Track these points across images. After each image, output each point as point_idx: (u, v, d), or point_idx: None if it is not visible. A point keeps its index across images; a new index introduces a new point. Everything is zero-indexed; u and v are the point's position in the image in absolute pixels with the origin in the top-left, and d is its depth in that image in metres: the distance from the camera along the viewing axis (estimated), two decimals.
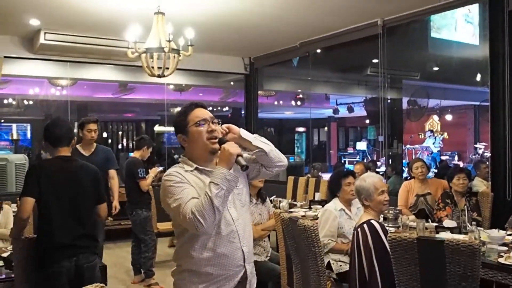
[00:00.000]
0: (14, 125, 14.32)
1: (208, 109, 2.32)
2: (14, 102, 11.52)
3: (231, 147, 2.10)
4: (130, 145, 15.88)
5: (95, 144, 5.33)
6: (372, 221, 3.16)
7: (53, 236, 2.99)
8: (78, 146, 5.22)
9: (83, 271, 3.05)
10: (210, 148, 2.20)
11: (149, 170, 5.96)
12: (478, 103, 15.17)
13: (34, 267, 3.02)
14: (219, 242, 2.15)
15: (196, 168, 2.21)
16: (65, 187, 3.09)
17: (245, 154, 2.28)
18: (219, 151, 2.16)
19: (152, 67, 5.07)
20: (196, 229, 2.02)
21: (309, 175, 8.82)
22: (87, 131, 5.24)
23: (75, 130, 5.46)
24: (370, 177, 3.35)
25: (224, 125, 2.26)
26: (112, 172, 5.41)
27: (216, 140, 2.18)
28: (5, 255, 3.62)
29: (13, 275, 3.16)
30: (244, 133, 2.25)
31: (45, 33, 6.59)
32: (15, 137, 14.31)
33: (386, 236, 3.03)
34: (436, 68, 11.74)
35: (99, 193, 3.28)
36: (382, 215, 4.12)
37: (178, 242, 2.25)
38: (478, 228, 3.92)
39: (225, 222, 2.17)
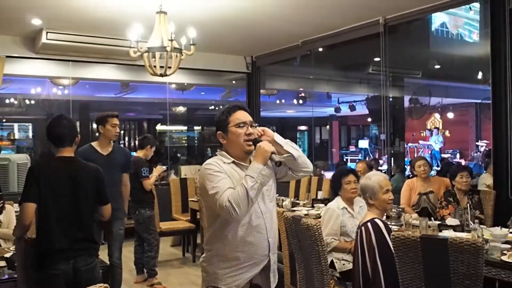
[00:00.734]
0: (15, 125, 14.34)
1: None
2: (16, 102, 11.53)
3: (266, 145, 2.34)
4: (132, 144, 15.89)
5: (112, 143, 4.78)
6: (376, 220, 3.16)
7: (51, 239, 2.96)
8: (94, 145, 4.69)
9: (81, 273, 3.01)
10: (246, 149, 2.42)
11: (154, 168, 5.97)
12: (479, 101, 15.16)
13: (33, 268, 3.00)
14: (249, 232, 2.38)
15: (233, 162, 2.43)
16: (65, 189, 3.02)
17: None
18: (254, 150, 2.38)
19: (154, 66, 5.06)
20: (230, 216, 2.24)
21: (311, 174, 8.83)
22: (111, 126, 4.65)
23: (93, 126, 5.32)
24: (375, 176, 3.35)
25: (260, 128, 2.49)
26: (126, 178, 4.90)
27: (252, 143, 2.41)
28: (7, 255, 3.61)
29: (15, 276, 3.16)
30: (277, 138, 2.48)
31: (47, 32, 6.59)
32: (16, 136, 14.33)
33: (389, 235, 3.03)
34: (437, 66, 11.74)
35: (102, 194, 3.21)
36: (385, 214, 4.11)
37: (210, 228, 2.46)
38: (481, 226, 3.92)
39: (255, 214, 2.40)
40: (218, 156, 2.47)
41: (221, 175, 2.33)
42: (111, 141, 4.75)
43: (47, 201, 2.96)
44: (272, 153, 2.32)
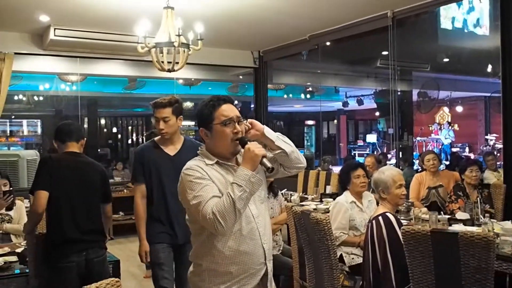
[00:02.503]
0: (24, 121, 14.43)
1: None
2: (24, 98, 11.60)
3: (256, 148, 2.03)
4: (140, 139, 15.94)
5: (181, 137, 3.58)
6: (388, 214, 3.15)
7: (62, 231, 3.01)
8: (157, 140, 3.56)
9: (93, 265, 3.08)
10: (233, 151, 2.15)
11: None
12: (489, 94, 15.06)
13: (46, 262, 3.04)
14: (240, 240, 2.10)
15: (217, 162, 2.15)
16: (74, 182, 3.10)
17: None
18: (242, 151, 2.10)
19: (162, 62, 5.06)
20: (215, 229, 1.97)
21: (319, 168, 8.81)
22: (155, 119, 3.58)
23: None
24: (389, 170, 3.34)
25: (248, 120, 2.18)
26: None
27: (239, 141, 2.12)
28: (19, 250, 3.65)
29: (27, 270, 3.18)
30: (268, 131, 2.16)
31: (54, 29, 6.60)
32: (25, 133, 14.42)
33: (400, 229, 3.02)
34: (446, 60, 11.66)
35: (107, 192, 3.32)
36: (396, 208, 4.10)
37: (196, 240, 2.17)
38: (492, 220, 3.90)
39: (246, 220, 2.12)
40: (199, 156, 2.19)
41: (204, 182, 2.04)
42: (178, 136, 3.52)
43: (58, 193, 3.02)
44: (263, 157, 2.02)
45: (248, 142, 2.07)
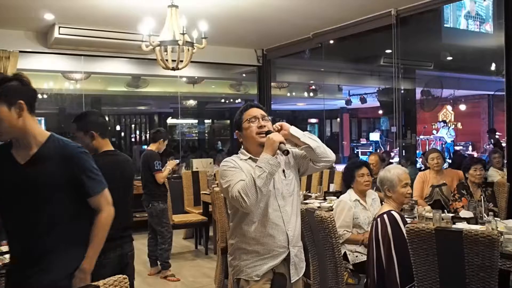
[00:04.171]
0: None
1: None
2: None
3: (275, 136, 2.40)
4: (143, 137, 15.97)
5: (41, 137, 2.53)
6: (393, 212, 3.16)
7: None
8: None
9: (126, 259, 3.19)
10: (259, 142, 2.49)
11: (167, 161, 6.00)
12: (492, 92, 15.04)
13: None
14: (265, 225, 2.46)
15: (250, 158, 2.53)
16: (115, 180, 3.09)
17: (296, 150, 2.61)
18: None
19: (166, 60, 5.08)
20: (240, 205, 2.32)
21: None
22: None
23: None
24: (395, 169, 3.36)
25: (277, 123, 2.56)
26: None
27: (265, 135, 2.46)
28: None
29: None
30: (294, 130, 2.53)
31: (59, 27, 6.63)
32: None
33: (405, 227, 3.03)
34: (450, 58, 11.65)
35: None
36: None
37: (231, 222, 2.59)
38: (495, 218, 3.90)
39: (273, 208, 2.47)
40: (238, 154, 2.59)
41: (235, 170, 2.43)
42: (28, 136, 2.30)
43: None
44: (281, 143, 2.37)
45: (272, 133, 2.43)
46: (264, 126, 2.52)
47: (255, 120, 2.52)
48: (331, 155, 2.58)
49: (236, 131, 2.64)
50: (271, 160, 2.34)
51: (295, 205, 2.59)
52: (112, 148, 3.26)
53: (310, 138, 2.52)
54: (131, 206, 3.34)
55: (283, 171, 2.54)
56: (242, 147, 2.62)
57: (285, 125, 2.56)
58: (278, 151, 2.40)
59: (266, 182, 2.32)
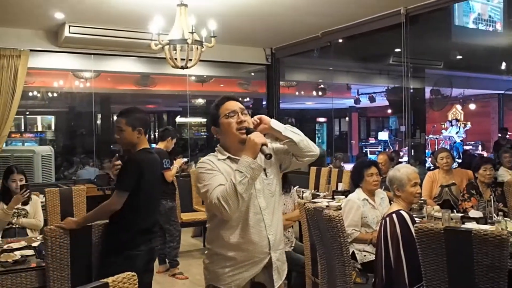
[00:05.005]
0: (39, 117, 14.58)
1: None
2: (39, 95, 11.71)
3: (256, 137, 2.17)
4: (152, 136, 16.01)
5: None
6: (402, 211, 3.15)
7: (136, 224, 3.18)
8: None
9: (154, 253, 3.35)
10: (240, 139, 2.28)
11: (174, 160, 6.02)
12: (502, 91, 14.93)
13: (115, 251, 3.15)
14: (246, 229, 2.27)
15: (229, 157, 2.32)
16: (150, 177, 3.24)
17: (277, 144, 2.39)
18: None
19: (175, 59, 5.09)
20: (221, 213, 2.14)
21: (331, 166, 8.81)
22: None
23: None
24: (404, 168, 3.34)
25: (256, 116, 2.35)
26: None
27: (245, 131, 2.26)
28: (35, 244, 3.69)
29: (43, 264, 3.22)
30: (275, 124, 2.32)
31: (69, 26, 6.66)
32: (39, 129, 14.56)
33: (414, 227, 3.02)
34: (459, 57, 11.58)
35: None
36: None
37: (210, 225, 2.37)
38: (505, 218, 3.88)
39: (254, 211, 2.29)
40: (215, 152, 2.39)
41: (213, 173, 2.24)
42: None
43: (140, 190, 3.17)
44: (263, 144, 2.16)
45: (252, 133, 2.21)
46: (244, 121, 2.30)
47: (234, 115, 2.30)
48: (315, 149, 2.38)
49: (213, 127, 2.39)
50: (253, 163, 2.12)
51: (277, 206, 2.41)
52: (148, 146, 3.37)
53: (293, 132, 2.31)
54: (159, 202, 3.53)
55: (264, 169, 2.30)
56: (219, 144, 2.41)
57: (265, 118, 2.34)
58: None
59: (247, 188, 2.12)
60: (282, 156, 2.42)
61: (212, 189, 2.17)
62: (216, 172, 2.24)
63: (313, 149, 2.36)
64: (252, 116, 2.38)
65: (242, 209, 2.21)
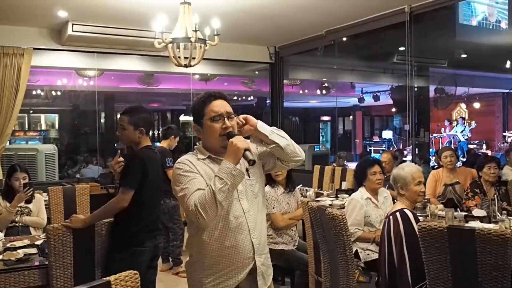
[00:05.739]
0: (42, 116, 14.61)
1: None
2: (42, 93, 11.74)
3: (239, 142, 2.04)
4: (156, 134, 16.03)
5: None
6: (405, 210, 3.14)
7: (142, 220, 3.23)
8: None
9: (158, 250, 3.39)
10: (223, 144, 2.14)
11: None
12: (507, 90, 14.88)
13: (119, 247, 3.19)
14: (227, 234, 2.13)
15: (209, 157, 2.20)
16: (153, 173, 3.29)
17: (263, 148, 2.28)
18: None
19: (179, 57, 5.09)
20: (197, 221, 2.01)
21: (334, 164, 8.79)
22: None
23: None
24: (408, 167, 3.33)
25: (241, 116, 2.20)
26: None
27: (227, 135, 2.13)
28: (38, 242, 3.70)
29: (46, 263, 3.22)
30: (261, 126, 2.19)
31: (72, 24, 6.66)
32: (43, 127, 14.59)
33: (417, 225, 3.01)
34: (464, 55, 11.54)
35: None
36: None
37: (190, 230, 2.24)
38: (509, 217, 3.86)
39: (235, 214, 2.15)
40: (194, 151, 2.25)
41: (191, 175, 2.09)
42: None
43: (144, 187, 3.21)
44: (245, 150, 2.03)
45: (234, 137, 2.08)
46: (229, 127, 2.14)
47: (219, 119, 2.14)
48: (301, 154, 2.26)
49: (194, 124, 2.24)
50: (234, 170, 1.99)
51: (261, 208, 2.28)
52: (150, 144, 3.41)
53: (279, 136, 2.19)
54: (161, 199, 3.56)
55: (247, 170, 2.17)
56: (199, 142, 2.28)
57: (251, 119, 2.19)
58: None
59: (227, 196, 1.99)
60: (266, 158, 2.30)
61: (189, 194, 2.03)
62: (195, 174, 2.11)
63: (299, 154, 2.26)
64: (239, 114, 2.25)
65: (223, 212, 2.07)
